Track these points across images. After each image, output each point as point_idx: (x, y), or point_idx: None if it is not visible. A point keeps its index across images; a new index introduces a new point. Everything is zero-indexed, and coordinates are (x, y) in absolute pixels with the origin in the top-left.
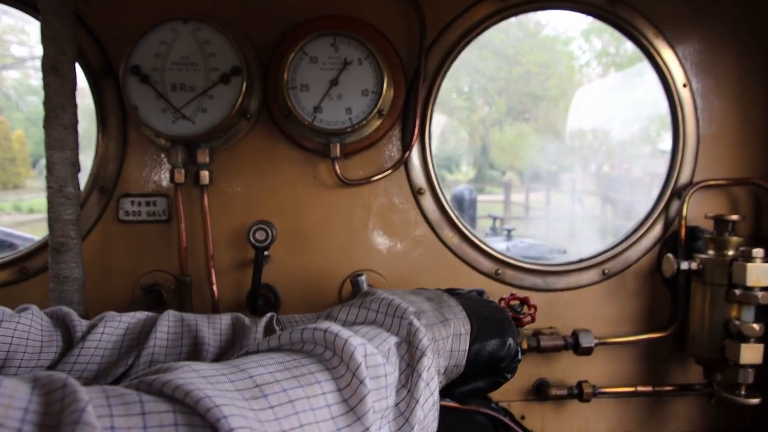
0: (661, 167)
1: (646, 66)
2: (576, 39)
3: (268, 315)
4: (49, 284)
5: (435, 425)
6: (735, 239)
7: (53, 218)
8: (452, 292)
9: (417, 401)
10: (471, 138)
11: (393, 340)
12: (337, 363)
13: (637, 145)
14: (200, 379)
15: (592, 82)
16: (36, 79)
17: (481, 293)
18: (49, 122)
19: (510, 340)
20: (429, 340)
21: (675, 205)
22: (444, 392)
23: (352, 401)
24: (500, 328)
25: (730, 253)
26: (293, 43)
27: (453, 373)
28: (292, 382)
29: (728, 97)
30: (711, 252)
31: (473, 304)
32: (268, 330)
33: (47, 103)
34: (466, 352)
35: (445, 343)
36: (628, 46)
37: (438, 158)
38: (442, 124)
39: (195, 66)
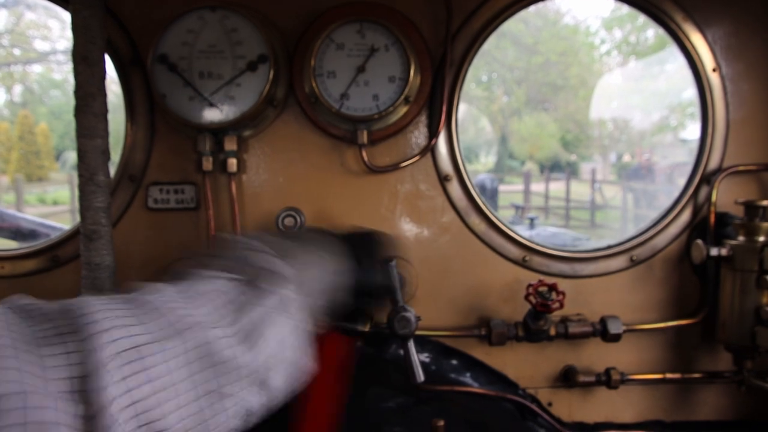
0: (681, 156)
1: (666, 55)
2: (597, 29)
3: None
4: (81, 271)
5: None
6: (766, 225)
7: (84, 206)
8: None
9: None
10: (491, 127)
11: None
12: None
13: (657, 134)
14: None
15: (612, 71)
16: (59, 73)
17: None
18: (79, 111)
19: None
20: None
21: (704, 191)
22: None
23: None
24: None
25: (761, 239)
26: (320, 30)
27: (333, 308)
28: None
29: (759, 81)
30: (741, 238)
31: (356, 238)
32: None
33: (77, 92)
34: (344, 287)
35: (317, 282)
36: (649, 34)
37: None
38: (462, 114)
39: (222, 54)
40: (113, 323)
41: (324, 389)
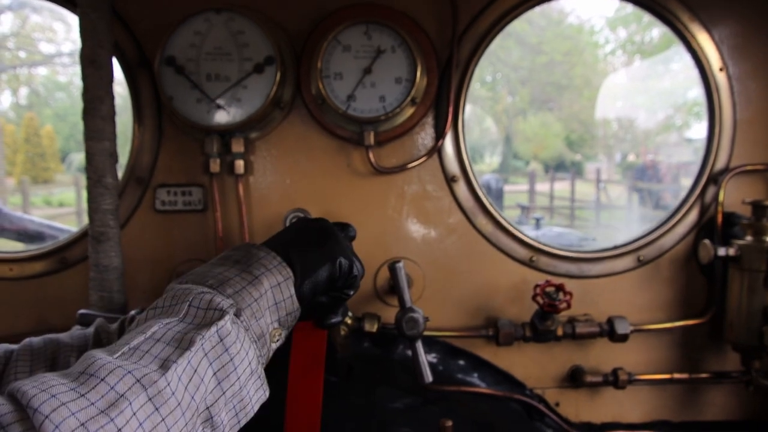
0: (687, 156)
1: (671, 54)
2: (601, 28)
3: (121, 318)
4: (89, 273)
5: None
6: None
7: (93, 208)
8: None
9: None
10: (495, 128)
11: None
12: None
13: (662, 133)
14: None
15: (617, 71)
16: (64, 76)
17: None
18: (87, 114)
19: (340, 259)
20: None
21: (711, 191)
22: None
23: None
24: (326, 252)
25: None
26: (326, 31)
27: (289, 320)
28: None
29: (766, 80)
30: (749, 238)
31: (294, 237)
32: (120, 333)
33: (85, 94)
34: (293, 297)
35: (264, 301)
36: (654, 34)
37: None
38: (466, 114)
39: (229, 56)
40: (53, 405)
41: (298, 382)
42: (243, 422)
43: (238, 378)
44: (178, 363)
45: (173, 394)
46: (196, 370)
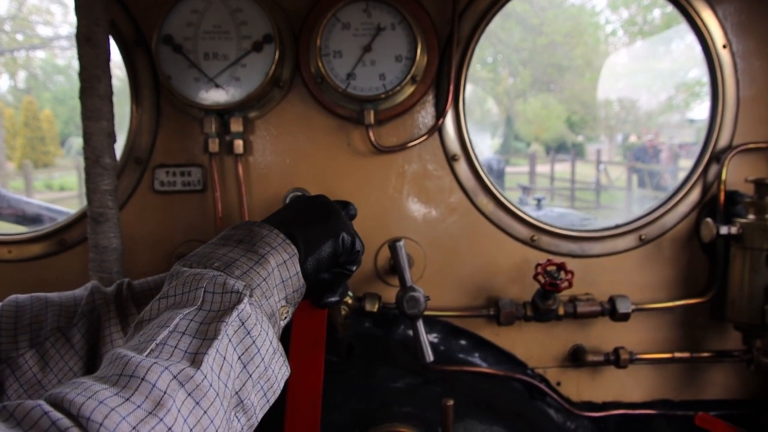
0: (689, 137)
1: (672, 34)
2: (602, 9)
3: (117, 283)
4: (88, 254)
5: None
6: None
7: (91, 189)
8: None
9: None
10: (496, 109)
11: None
12: None
13: (665, 113)
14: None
15: (618, 51)
16: (62, 59)
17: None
18: (84, 93)
19: (342, 235)
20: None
21: (713, 169)
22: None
23: None
24: (328, 227)
25: None
26: (325, 9)
27: (296, 297)
28: None
29: None
30: (751, 216)
31: (295, 214)
32: (118, 299)
33: (82, 74)
34: (299, 274)
35: (271, 280)
36: (655, 14)
37: None
38: (468, 95)
39: (227, 34)
40: (103, 411)
41: (299, 363)
42: (272, 401)
43: (263, 359)
44: (208, 354)
45: (211, 386)
46: (225, 358)
